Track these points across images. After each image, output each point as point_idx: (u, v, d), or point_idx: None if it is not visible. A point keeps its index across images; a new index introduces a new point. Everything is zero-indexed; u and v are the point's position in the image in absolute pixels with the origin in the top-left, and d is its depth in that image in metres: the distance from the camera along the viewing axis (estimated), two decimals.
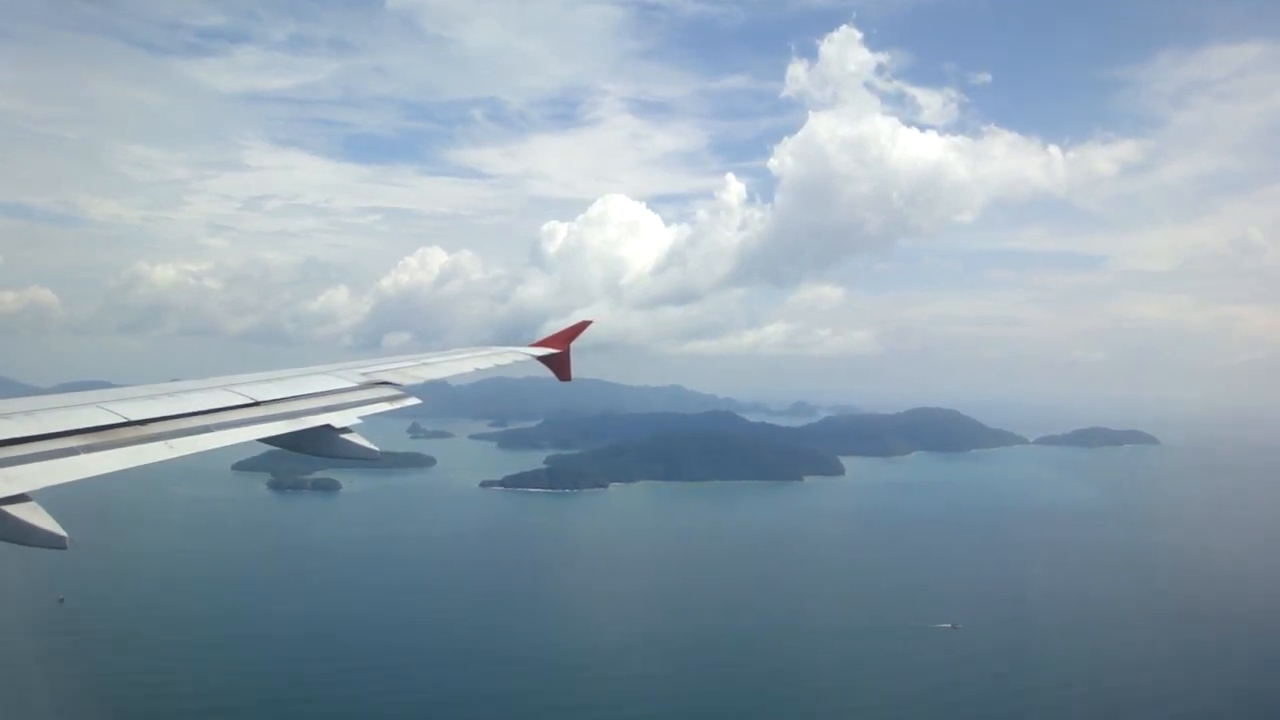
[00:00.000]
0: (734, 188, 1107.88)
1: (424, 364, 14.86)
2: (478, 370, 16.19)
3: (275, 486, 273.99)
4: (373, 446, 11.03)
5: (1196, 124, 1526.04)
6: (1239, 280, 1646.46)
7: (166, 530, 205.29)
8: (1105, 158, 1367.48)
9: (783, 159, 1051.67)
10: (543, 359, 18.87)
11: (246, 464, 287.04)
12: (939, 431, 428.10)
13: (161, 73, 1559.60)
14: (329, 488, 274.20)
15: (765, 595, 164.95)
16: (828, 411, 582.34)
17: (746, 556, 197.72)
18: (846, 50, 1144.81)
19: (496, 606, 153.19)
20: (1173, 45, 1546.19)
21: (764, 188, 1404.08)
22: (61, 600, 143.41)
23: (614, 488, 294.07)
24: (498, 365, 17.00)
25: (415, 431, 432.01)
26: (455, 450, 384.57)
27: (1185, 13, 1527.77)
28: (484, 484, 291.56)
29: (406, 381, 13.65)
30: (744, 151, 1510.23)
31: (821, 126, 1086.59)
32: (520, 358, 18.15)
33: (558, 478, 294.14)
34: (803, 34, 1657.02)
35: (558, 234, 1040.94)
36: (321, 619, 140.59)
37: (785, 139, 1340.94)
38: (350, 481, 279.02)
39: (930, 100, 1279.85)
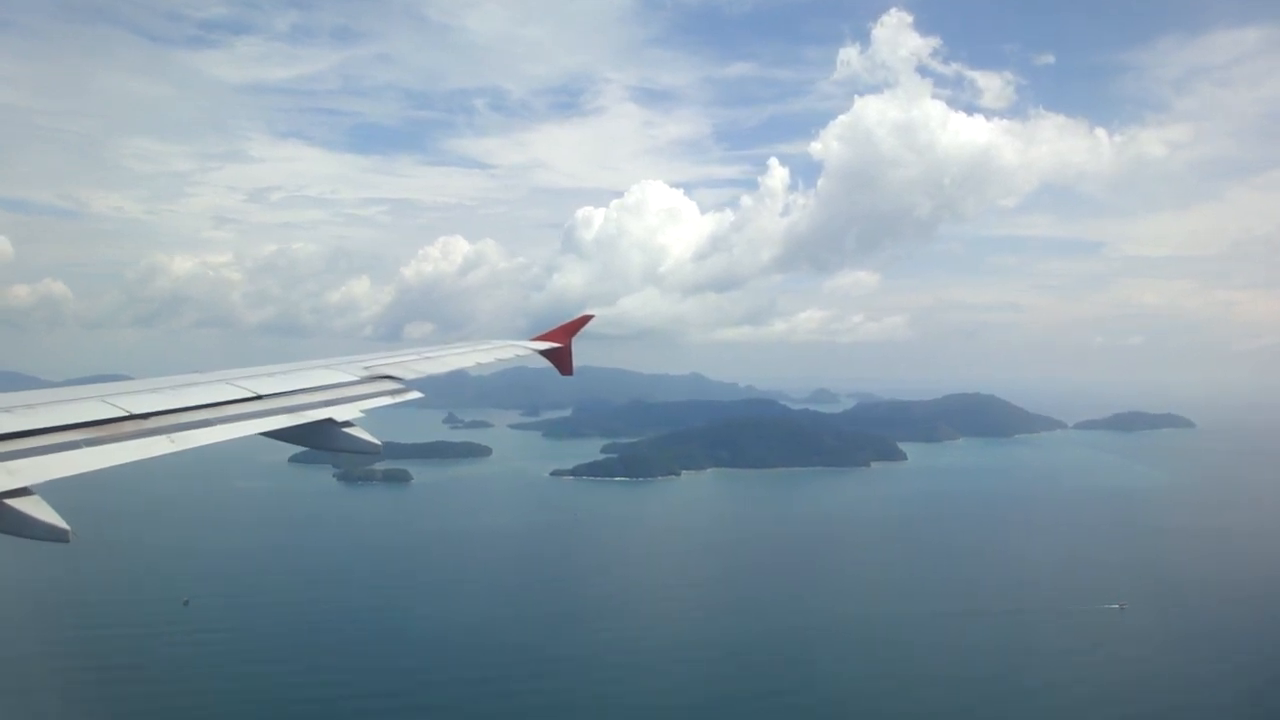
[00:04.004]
0: (777, 173, 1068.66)
1: (425, 358, 14.90)
2: (479, 365, 16.14)
3: (343, 479, 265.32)
4: (374, 440, 10.73)
5: (1197, 109, 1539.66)
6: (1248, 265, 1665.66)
7: (263, 528, 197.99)
8: (1156, 140, 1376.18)
9: (828, 143, 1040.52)
10: (544, 353, 18.77)
11: (301, 456, 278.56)
12: (980, 416, 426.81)
13: (164, 64, 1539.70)
14: (399, 479, 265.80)
15: (918, 579, 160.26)
16: (849, 398, 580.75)
17: (867, 542, 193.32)
18: (898, 34, 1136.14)
19: (648, 599, 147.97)
20: (1174, 30, 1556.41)
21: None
22: (187, 602, 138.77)
23: (686, 475, 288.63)
24: (499, 359, 17.04)
25: (453, 422, 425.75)
26: (502, 440, 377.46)
27: None
28: (554, 473, 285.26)
29: (409, 375, 13.58)
30: (749, 139, 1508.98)
31: (870, 110, 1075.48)
32: (521, 352, 18.13)
33: (629, 466, 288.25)
34: (810, 20, 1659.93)
35: (593, 220, 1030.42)
36: (472, 617, 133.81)
37: (830, 123, 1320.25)
38: (419, 472, 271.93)
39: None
